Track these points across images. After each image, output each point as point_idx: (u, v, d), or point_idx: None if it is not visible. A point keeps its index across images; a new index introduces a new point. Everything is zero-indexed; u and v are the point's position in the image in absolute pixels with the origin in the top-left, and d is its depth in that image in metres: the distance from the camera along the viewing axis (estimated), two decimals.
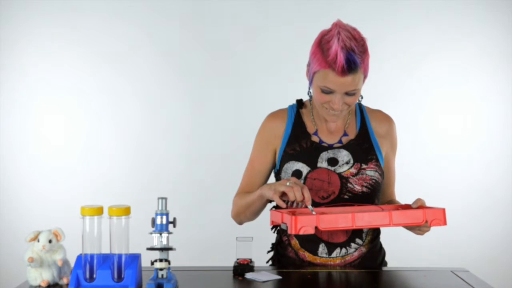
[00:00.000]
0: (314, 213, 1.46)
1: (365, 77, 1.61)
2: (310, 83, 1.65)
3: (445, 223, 1.48)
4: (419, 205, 1.54)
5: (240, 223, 1.78)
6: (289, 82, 2.86)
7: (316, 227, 1.40)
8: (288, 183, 1.47)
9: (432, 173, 3.04)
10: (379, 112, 1.78)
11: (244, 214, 1.72)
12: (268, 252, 1.79)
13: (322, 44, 1.56)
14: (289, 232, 1.41)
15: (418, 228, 1.53)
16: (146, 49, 3.02)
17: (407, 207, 1.59)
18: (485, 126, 3.06)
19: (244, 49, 3.03)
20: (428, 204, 1.57)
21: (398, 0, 3.03)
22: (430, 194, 2.90)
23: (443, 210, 1.49)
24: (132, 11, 3.00)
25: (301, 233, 1.39)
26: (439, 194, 2.97)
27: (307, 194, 1.46)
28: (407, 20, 3.03)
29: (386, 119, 1.77)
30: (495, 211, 3.04)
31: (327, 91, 1.57)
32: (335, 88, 1.56)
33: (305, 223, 1.39)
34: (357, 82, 1.56)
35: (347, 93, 1.56)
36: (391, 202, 1.78)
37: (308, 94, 1.74)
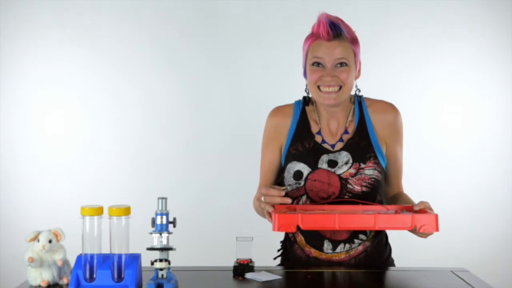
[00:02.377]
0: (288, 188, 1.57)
1: (355, 54, 1.65)
2: (305, 73, 1.70)
3: (436, 230, 1.43)
4: (422, 208, 1.51)
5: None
6: (289, 82, 2.85)
7: (298, 226, 1.40)
8: (262, 199, 1.51)
9: (432, 173, 3.04)
10: (380, 102, 1.74)
11: (261, 215, 1.73)
12: (279, 250, 1.79)
13: (310, 32, 1.67)
14: (272, 229, 1.44)
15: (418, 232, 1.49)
16: (146, 49, 3.02)
17: (410, 208, 1.56)
18: (485, 126, 3.06)
19: (244, 49, 3.03)
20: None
21: (398, 0, 3.03)
22: (430, 194, 2.90)
23: (435, 216, 1.43)
24: (132, 10, 3.00)
25: (281, 230, 1.40)
26: (439, 194, 2.97)
27: (273, 192, 1.49)
28: (407, 20, 3.03)
29: (388, 109, 1.73)
30: (495, 211, 3.04)
31: (317, 63, 1.63)
32: (323, 55, 1.62)
33: (286, 221, 1.40)
34: (346, 53, 1.62)
35: (337, 65, 1.62)
36: (398, 195, 1.76)
37: (305, 91, 1.74)
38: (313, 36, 1.65)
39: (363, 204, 1.60)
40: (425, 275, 1.52)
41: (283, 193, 1.49)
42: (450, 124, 3.06)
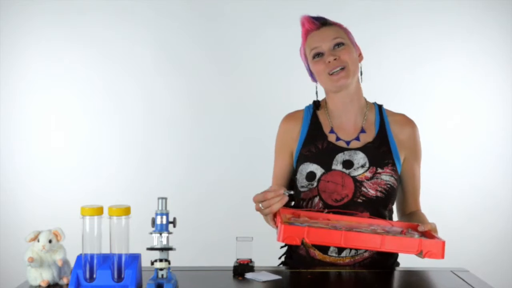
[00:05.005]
0: (291, 192, 1.49)
1: (348, 35, 1.68)
2: (311, 74, 1.74)
3: (442, 257, 1.39)
4: (427, 230, 1.48)
5: None
6: (290, 81, 2.86)
7: (303, 240, 1.36)
8: (261, 205, 1.46)
9: (432, 173, 3.02)
10: (401, 116, 1.76)
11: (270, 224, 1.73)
12: (282, 247, 1.78)
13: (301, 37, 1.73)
14: (277, 239, 1.39)
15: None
16: (148, 50, 3.02)
17: (416, 226, 1.55)
18: (485, 126, 3.06)
19: (246, 49, 3.03)
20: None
21: (398, 0, 3.03)
22: (430, 194, 2.91)
23: (443, 243, 1.40)
24: (132, 11, 3.00)
25: (286, 242, 1.36)
26: (439, 194, 2.98)
27: (271, 194, 1.43)
28: (407, 20, 3.03)
29: (408, 123, 1.75)
30: (495, 211, 3.04)
31: (317, 53, 1.66)
32: (318, 42, 1.65)
33: (292, 233, 1.36)
34: (338, 33, 1.66)
35: (335, 47, 1.64)
36: (414, 214, 1.74)
37: (316, 93, 1.76)
38: (304, 36, 1.72)
39: (369, 217, 1.58)
40: (425, 275, 1.52)
41: (281, 191, 1.44)
42: (450, 124, 3.06)
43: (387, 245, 1.38)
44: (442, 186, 3.02)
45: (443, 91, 3.05)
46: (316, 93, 1.75)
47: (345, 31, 1.69)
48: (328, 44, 1.64)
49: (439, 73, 3.05)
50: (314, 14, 1.69)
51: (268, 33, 3.01)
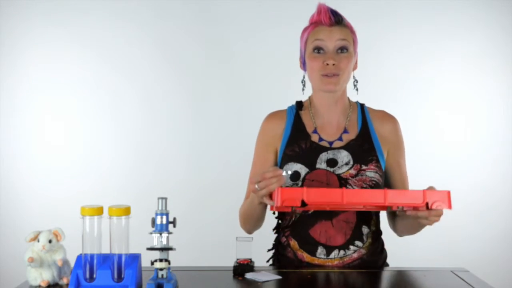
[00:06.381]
0: (289, 172, 1.48)
1: (354, 43, 1.67)
2: (303, 64, 1.71)
3: (449, 207, 1.35)
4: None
5: (249, 232, 1.76)
6: (290, 81, 2.84)
7: (302, 201, 1.30)
8: (256, 186, 1.43)
9: (433, 173, 3.04)
10: (381, 112, 1.77)
11: (249, 222, 1.72)
12: (269, 250, 1.78)
13: (308, 22, 1.69)
14: (275, 205, 1.34)
15: (424, 217, 1.43)
16: (146, 50, 3.02)
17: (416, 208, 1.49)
18: (486, 126, 3.06)
19: (244, 49, 3.03)
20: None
21: (398, 0, 3.03)
22: None
23: (448, 192, 1.36)
24: (132, 11, 3.01)
25: (285, 204, 1.31)
26: None
27: (269, 174, 1.41)
28: (407, 20, 3.03)
29: (389, 119, 1.75)
30: (495, 211, 3.04)
31: (319, 47, 1.64)
32: (325, 37, 1.63)
33: (290, 195, 1.31)
34: (347, 38, 1.64)
35: (338, 51, 1.63)
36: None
37: (302, 82, 1.75)
38: (313, 24, 1.67)
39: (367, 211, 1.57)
40: (424, 275, 1.53)
41: (279, 171, 1.42)
42: (451, 124, 3.06)
43: (390, 198, 1.33)
44: (442, 186, 3.01)
45: (443, 91, 3.05)
46: (302, 81, 1.75)
47: (353, 36, 1.67)
48: (334, 45, 1.63)
49: (439, 73, 3.05)
50: (333, 5, 1.66)
51: (267, 32, 3.01)
